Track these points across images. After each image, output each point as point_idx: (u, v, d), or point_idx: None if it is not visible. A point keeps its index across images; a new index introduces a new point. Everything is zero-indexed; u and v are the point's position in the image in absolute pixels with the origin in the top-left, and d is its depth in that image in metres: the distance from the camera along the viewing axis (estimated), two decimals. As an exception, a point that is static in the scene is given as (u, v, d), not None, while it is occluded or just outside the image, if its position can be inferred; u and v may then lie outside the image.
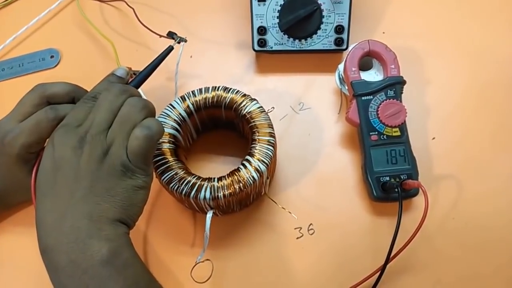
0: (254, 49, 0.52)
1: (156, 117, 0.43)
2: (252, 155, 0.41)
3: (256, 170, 0.40)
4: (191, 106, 0.44)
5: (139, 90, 0.46)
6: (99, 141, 0.33)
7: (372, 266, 0.41)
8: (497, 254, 0.43)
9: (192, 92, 0.45)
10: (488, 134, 0.49)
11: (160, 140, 0.42)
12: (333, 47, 0.51)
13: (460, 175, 0.47)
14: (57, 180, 0.32)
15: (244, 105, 0.43)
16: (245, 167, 0.41)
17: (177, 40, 0.45)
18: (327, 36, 0.51)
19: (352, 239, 0.45)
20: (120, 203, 0.33)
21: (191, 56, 0.55)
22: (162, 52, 0.42)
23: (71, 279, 0.30)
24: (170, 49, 0.43)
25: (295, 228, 0.45)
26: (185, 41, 0.46)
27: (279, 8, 0.50)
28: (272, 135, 0.42)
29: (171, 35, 0.46)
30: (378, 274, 0.41)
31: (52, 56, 0.57)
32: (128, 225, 0.34)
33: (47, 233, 0.31)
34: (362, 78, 0.46)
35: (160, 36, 0.47)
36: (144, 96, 0.47)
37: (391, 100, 0.45)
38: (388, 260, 0.40)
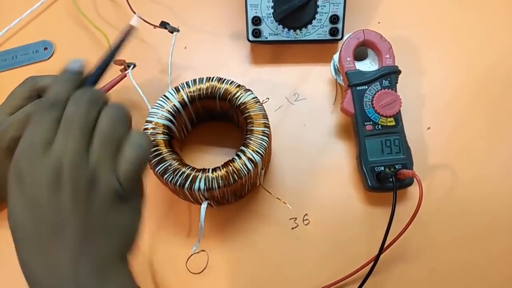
0: (248, 40, 0.52)
1: (150, 109, 0.44)
2: (246, 146, 0.41)
3: (251, 161, 0.40)
4: (185, 97, 0.44)
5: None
6: (81, 172, 0.26)
7: (367, 255, 0.42)
8: (492, 242, 0.44)
9: (186, 83, 0.44)
10: (483, 123, 0.49)
11: (155, 131, 0.42)
12: (328, 37, 0.51)
13: (454, 165, 0.47)
14: (38, 226, 0.26)
15: (238, 96, 0.43)
16: (239, 158, 0.41)
17: (170, 30, 0.45)
18: (322, 26, 0.51)
19: (347, 229, 0.45)
20: (120, 237, 0.29)
21: (185, 47, 0.54)
22: (121, 35, 0.34)
23: None
24: (129, 29, 0.35)
25: (290, 219, 0.45)
26: (178, 31, 0.46)
27: (273, -3, 0.49)
28: (266, 125, 0.42)
29: (163, 25, 0.46)
30: (372, 263, 0.41)
31: (45, 48, 0.56)
32: (128, 255, 0.30)
33: (38, 282, 0.27)
34: (357, 68, 0.46)
35: (154, 26, 0.47)
36: (138, 88, 0.47)
37: (386, 90, 0.45)
38: (382, 249, 0.41)
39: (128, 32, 0.35)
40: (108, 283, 0.27)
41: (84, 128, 0.27)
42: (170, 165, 0.40)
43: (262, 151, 0.41)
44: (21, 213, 0.27)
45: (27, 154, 0.27)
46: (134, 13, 0.44)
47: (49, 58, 0.56)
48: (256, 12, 0.50)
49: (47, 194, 0.26)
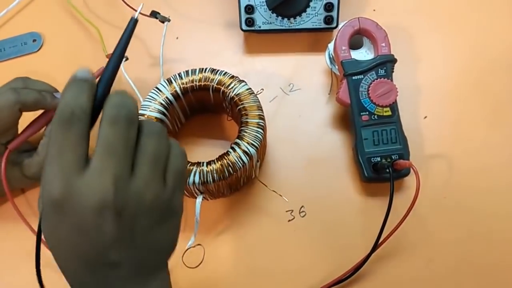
0: (242, 29, 0.51)
1: (142, 102, 0.43)
2: (241, 138, 0.41)
3: (246, 153, 0.40)
4: (178, 89, 0.43)
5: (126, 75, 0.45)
6: (130, 196, 0.25)
7: (364, 247, 0.41)
8: (489, 232, 0.43)
9: (179, 74, 0.43)
10: (480, 112, 0.48)
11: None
12: (323, 25, 0.50)
13: (451, 154, 0.47)
14: (85, 248, 0.26)
15: (232, 87, 0.43)
16: (234, 150, 0.40)
17: (161, 20, 0.44)
18: (316, 14, 0.50)
19: (344, 220, 0.44)
20: (165, 249, 0.29)
21: (177, 38, 0.53)
22: (126, 28, 0.31)
23: None
24: (134, 22, 0.32)
25: (286, 211, 0.45)
26: (169, 20, 0.45)
27: (266, -15, 0.48)
28: (261, 117, 0.42)
29: (154, 14, 0.45)
30: (368, 253, 0.41)
31: (34, 40, 0.55)
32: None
33: None
34: (353, 57, 0.45)
35: (144, 14, 0.46)
36: (129, 80, 0.46)
37: (382, 79, 0.44)
38: (378, 240, 0.40)
39: (133, 26, 0.32)
40: None
41: (126, 151, 0.26)
42: (163, 159, 0.40)
43: (257, 143, 0.40)
44: (67, 240, 0.26)
45: (61, 178, 0.25)
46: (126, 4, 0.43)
47: (38, 50, 0.54)
48: (249, 1, 0.49)
49: (93, 219, 0.25)
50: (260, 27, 0.51)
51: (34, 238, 0.33)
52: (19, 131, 0.40)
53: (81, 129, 0.25)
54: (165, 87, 0.43)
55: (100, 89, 0.28)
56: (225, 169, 0.39)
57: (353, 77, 0.45)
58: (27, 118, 0.40)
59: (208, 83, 0.43)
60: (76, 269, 0.27)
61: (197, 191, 0.40)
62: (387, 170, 0.42)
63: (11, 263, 0.43)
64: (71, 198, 0.25)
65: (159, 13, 0.45)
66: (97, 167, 0.25)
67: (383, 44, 0.45)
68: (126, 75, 0.45)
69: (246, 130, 0.41)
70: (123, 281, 0.27)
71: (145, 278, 0.28)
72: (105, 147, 0.25)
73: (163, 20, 0.44)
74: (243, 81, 0.43)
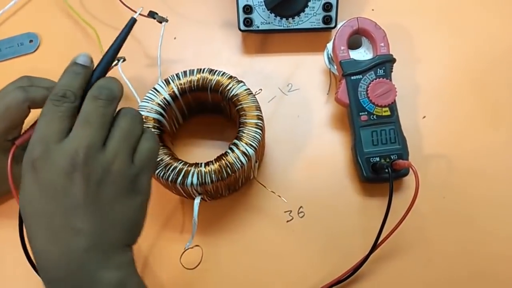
0: (240, 29, 0.50)
1: (140, 103, 0.43)
2: (239, 139, 0.40)
3: (244, 154, 0.40)
4: (175, 89, 0.43)
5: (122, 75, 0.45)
6: (97, 162, 0.28)
7: (363, 247, 0.41)
8: (488, 231, 0.43)
9: (177, 75, 0.43)
10: (479, 112, 0.48)
11: (145, 125, 0.41)
12: (321, 25, 0.50)
13: (450, 154, 0.46)
14: (52, 210, 0.28)
15: (230, 88, 0.42)
16: (232, 151, 0.40)
17: (158, 20, 0.44)
18: (315, 14, 0.50)
19: (343, 220, 0.44)
20: (127, 226, 0.30)
21: (175, 38, 0.53)
22: (125, 27, 0.35)
23: None
24: (132, 21, 0.36)
25: (285, 212, 0.45)
26: (166, 21, 0.45)
27: (264, -15, 0.48)
28: (260, 117, 0.41)
29: (151, 15, 0.44)
30: (368, 253, 0.41)
31: (31, 41, 0.54)
32: (133, 245, 0.32)
33: (51, 268, 0.29)
34: (351, 57, 0.45)
35: (142, 15, 0.46)
36: (126, 81, 0.46)
37: (381, 79, 0.44)
38: (377, 241, 0.40)
39: (131, 25, 0.36)
40: (110, 269, 0.29)
41: (101, 123, 0.29)
42: (161, 160, 0.40)
43: (255, 144, 0.40)
44: (34, 198, 0.28)
45: (42, 142, 0.28)
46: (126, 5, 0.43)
47: (34, 51, 0.54)
48: (247, 1, 0.49)
49: (62, 181, 0.28)
50: (258, 27, 0.50)
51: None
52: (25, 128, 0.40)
53: (69, 108, 0.29)
54: (163, 87, 0.43)
55: (94, 76, 0.32)
56: (224, 170, 0.39)
57: (352, 77, 0.44)
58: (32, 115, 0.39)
59: (206, 83, 0.43)
60: (42, 236, 0.28)
61: (195, 192, 0.40)
62: (386, 170, 0.42)
63: (16, 260, 0.43)
64: (46, 159, 0.28)
65: (157, 14, 0.44)
66: (73, 135, 0.29)
67: (382, 44, 0.45)
68: (123, 76, 0.45)
69: (245, 131, 0.41)
70: (83, 251, 0.28)
71: (106, 254, 0.29)
72: (83, 119, 0.29)
73: (161, 20, 0.44)
74: (241, 81, 0.43)
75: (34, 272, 0.32)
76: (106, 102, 0.30)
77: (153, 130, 0.41)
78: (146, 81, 0.50)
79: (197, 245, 0.43)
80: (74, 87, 0.30)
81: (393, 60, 0.45)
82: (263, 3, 0.49)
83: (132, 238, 0.31)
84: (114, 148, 0.29)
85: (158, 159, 0.39)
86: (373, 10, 0.54)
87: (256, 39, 0.53)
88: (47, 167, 0.28)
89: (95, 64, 0.33)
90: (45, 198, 0.28)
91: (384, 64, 0.44)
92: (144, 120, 0.41)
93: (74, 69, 0.31)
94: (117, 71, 0.45)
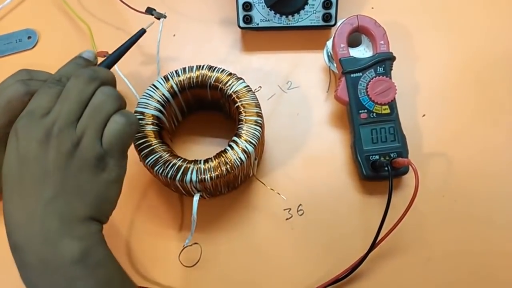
0: (239, 26, 0.50)
1: (139, 99, 0.42)
2: (239, 136, 0.40)
3: (244, 151, 0.39)
4: (174, 86, 0.43)
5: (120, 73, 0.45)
6: (68, 134, 0.30)
7: (362, 245, 0.41)
8: (487, 230, 0.43)
9: (176, 71, 0.43)
10: (478, 110, 0.48)
11: (144, 122, 0.41)
12: (321, 23, 0.50)
13: (450, 152, 0.46)
14: (24, 176, 0.30)
15: (230, 85, 0.42)
16: (232, 148, 0.40)
17: (156, 16, 0.44)
18: (314, 11, 0.49)
19: (342, 218, 0.44)
20: (93, 200, 0.31)
21: (174, 35, 0.53)
22: (134, 35, 0.39)
23: (41, 278, 0.29)
24: (142, 32, 0.39)
25: (284, 209, 0.44)
26: (165, 17, 0.44)
27: (264, -18, 0.48)
28: (259, 115, 0.41)
29: (149, 11, 0.44)
30: (367, 251, 0.40)
31: (29, 37, 0.54)
32: (101, 222, 0.32)
33: (17, 231, 0.30)
34: (351, 54, 0.45)
35: (139, 11, 0.46)
36: (124, 78, 0.45)
37: (381, 77, 0.44)
38: (376, 239, 0.40)
39: (141, 33, 0.39)
40: (73, 238, 0.30)
41: (77, 100, 0.31)
42: (160, 156, 0.39)
43: (255, 141, 0.40)
44: (12, 164, 0.30)
45: (26, 117, 0.31)
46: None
47: (33, 48, 0.54)
48: (246, -2, 0.49)
49: (35, 149, 0.30)
50: (258, 24, 0.50)
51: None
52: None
53: (61, 91, 0.31)
54: (162, 84, 0.43)
55: None
56: (223, 167, 0.39)
57: (352, 75, 0.44)
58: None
59: (206, 80, 0.42)
60: (12, 201, 0.30)
61: (194, 189, 0.40)
62: (386, 168, 0.42)
63: None
64: (27, 129, 0.30)
65: (154, 10, 0.44)
66: (53, 110, 0.31)
67: (382, 42, 0.45)
68: (120, 73, 0.45)
69: (244, 128, 0.40)
70: (46, 218, 0.29)
71: (69, 223, 0.30)
72: (63, 94, 0.31)
73: (159, 16, 0.44)
74: (241, 78, 0.43)
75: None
76: (87, 80, 0.32)
77: (152, 126, 0.41)
78: (144, 78, 0.50)
79: (196, 243, 0.43)
80: (70, 74, 0.32)
81: (393, 58, 0.45)
82: (263, 1, 0.49)
83: (99, 213, 0.32)
84: (83, 123, 0.31)
85: (157, 156, 0.39)
86: (372, 8, 0.54)
87: (256, 37, 0.53)
88: (26, 136, 0.30)
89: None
90: (20, 164, 0.30)
91: (384, 62, 0.44)
92: (142, 116, 0.41)
93: (77, 61, 0.35)
94: (115, 68, 0.44)
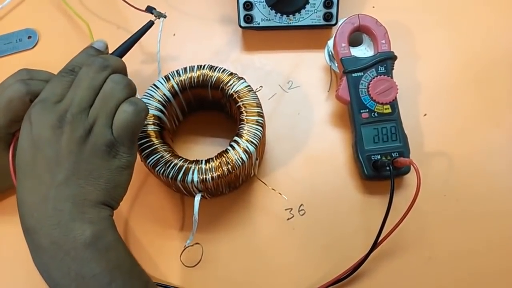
0: (240, 26, 0.50)
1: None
2: (240, 136, 0.40)
3: (245, 151, 0.39)
4: (175, 86, 0.42)
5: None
6: (81, 121, 0.31)
7: (364, 245, 0.41)
8: (489, 229, 0.43)
9: (177, 71, 0.43)
10: (480, 110, 0.48)
11: (145, 122, 0.41)
12: (322, 22, 0.50)
13: (451, 152, 0.46)
14: (37, 161, 0.31)
15: (231, 84, 0.42)
16: (233, 148, 0.40)
17: (156, 15, 0.43)
18: (315, 10, 0.49)
19: (344, 218, 0.44)
20: (104, 185, 0.32)
21: (174, 34, 0.53)
22: (142, 27, 0.40)
23: (53, 260, 0.30)
24: (150, 24, 0.41)
25: (285, 209, 0.44)
26: (165, 16, 0.44)
27: (265, -19, 0.48)
28: (260, 115, 0.41)
29: (149, 9, 0.44)
30: (368, 251, 0.40)
31: (29, 37, 0.54)
32: (112, 207, 0.33)
33: (29, 214, 0.31)
34: (352, 54, 0.45)
35: (139, 9, 0.45)
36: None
37: (382, 76, 0.44)
38: (378, 239, 0.40)
39: (149, 25, 0.41)
40: (85, 221, 0.30)
41: (89, 87, 0.32)
42: (161, 157, 0.39)
43: (256, 141, 0.40)
44: (25, 149, 0.31)
45: (40, 103, 0.32)
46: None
47: (33, 47, 0.54)
48: (247, -3, 0.49)
49: (49, 134, 0.31)
50: (258, 24, 0.50)
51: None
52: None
53: (73, 79, 0.33)
54: (162, 84, 0.43)
55: None
56: (224, 167, 0.39)
57: (353, 74, 0.44)
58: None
59: (207, 80, 0.42)
60: (25, 185, 0.31)
61: (195, 189, 0.40)
62: (387, 168, 0.42)
63: (17, 256, 0.42)
64: (41, 115, 0.31)
65: (154, 9, 0.44)
66: (66, 97, 0.32)
67: (383, 41, 0.45)
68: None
69: (245, 128, 0.40)
70: (59, 201, 0.30)
71: (81, 207, 0.31)
72: (75, 82, 0.33)
73: (159, 15, 0.44)
74: (242, 78, 0.43)
75: (35, 268, 0.31)
76: (98, 68, 0.33)
77: (153, 126, 0.41)
78: (144, 78, 0.50)
79: (197, 243, 0.43)
80: (82, 64, 0.34)
81: (394, 58, 0.45)
82: (264, 0, 0.48)
83: (110, 198, 0.32)
84: (95, 111, 0.32)
85: (158, 156, 0.39)
86: (374, 7, 0.53)
87: (256, 36, 0.52)
88: (39, 122, 0.31)
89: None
90: (33, 149, 0.31)
91: (385, 61, 0.44)
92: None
93: (88, 50, 0.36)
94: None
